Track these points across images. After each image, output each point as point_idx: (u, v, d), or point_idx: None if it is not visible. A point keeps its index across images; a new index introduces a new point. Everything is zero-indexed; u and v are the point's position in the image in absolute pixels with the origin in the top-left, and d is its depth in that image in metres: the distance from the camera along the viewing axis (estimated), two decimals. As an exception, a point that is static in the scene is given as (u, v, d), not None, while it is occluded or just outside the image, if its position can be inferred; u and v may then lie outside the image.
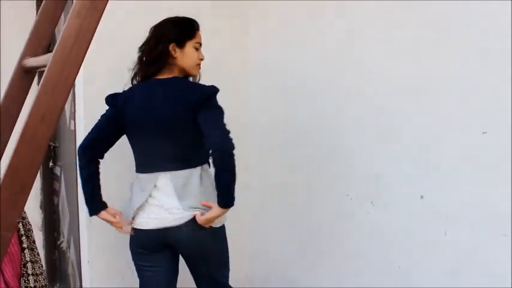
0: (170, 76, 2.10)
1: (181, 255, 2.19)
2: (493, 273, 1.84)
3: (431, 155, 2.02)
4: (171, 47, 2.08)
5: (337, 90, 2.41)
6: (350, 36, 2.34)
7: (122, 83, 2.58)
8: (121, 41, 2.58)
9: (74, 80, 0.93)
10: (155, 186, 2.08)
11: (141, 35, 2.60)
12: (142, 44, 2.16)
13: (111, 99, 2.17)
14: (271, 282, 2.78)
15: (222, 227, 2.15)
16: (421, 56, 2.04)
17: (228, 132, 1.97)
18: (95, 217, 2.55)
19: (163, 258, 2.18)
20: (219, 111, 2.03)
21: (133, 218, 2.13)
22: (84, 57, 0.94)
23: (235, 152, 1.94)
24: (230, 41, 2.79)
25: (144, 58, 2.13)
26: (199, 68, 2.15)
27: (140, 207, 2.10)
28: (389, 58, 2.17)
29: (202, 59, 2.13)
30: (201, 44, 2.13)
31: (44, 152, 0.95)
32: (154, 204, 2.08)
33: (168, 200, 2.05)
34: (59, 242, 3.40)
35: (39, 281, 1.90)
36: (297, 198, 2.65)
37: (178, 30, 2.10)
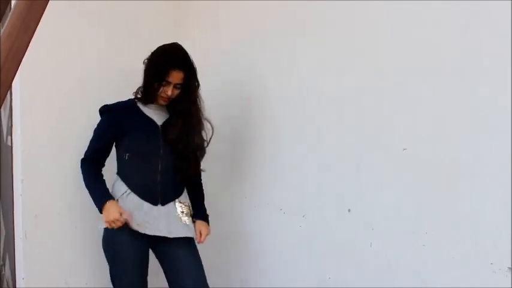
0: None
1: None
2: (413, 281, 1.95)
3: (357, 170, 2.12)
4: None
5: (270, 104, 2.50)
6: (283, 43, 2.43)
7: (60, 98, 2.60)
8: (60, 56, 2.60)
9: (4, 99, 0.97)
10: None
11: (79, 50, 2.64)
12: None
13: None
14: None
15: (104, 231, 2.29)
16: (348, 72, 2.14)
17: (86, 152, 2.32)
18: (31, 233, 2.55)
19: None
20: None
21: None
22: (14, 77, 0.98)
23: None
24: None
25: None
26: (164, 99, 2.26)
27: None
28: (319, 70, 2.26)
29: (168, 95, 2.23)
30: (169, 83, 2.22)
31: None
32: None
33: None
34: (-6, 260, 3.33)
35: None
36: (232, 212, 2.72)
37: (153, 70, 2.23)
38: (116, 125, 2.27)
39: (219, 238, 2.76)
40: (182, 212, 2.29)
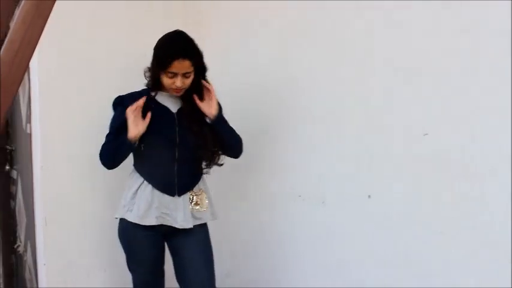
0: None
1: None
2: (433, 269, 1.92)
3: (378, 156, 2.09)
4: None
5: (285, 92, 2.48)
6: (294, 36, 2.42)
7: (78, 85, 2.60)
8: (77, 44, 2.60)
9: (19, 84, 0.96)
10: None
11: (97, 37, 2.64)
12: None
13: None
14: (227, 282, 2.80)
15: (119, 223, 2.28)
16: (366, 57, 2.12)
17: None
18: (51, 220, 2.56)
19: None
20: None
21: None
22: (29, 61, 0.97)
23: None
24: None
25: None
26: (177, 91, 2.16)
27: None
28: (333, 59, 2.25)
29: (178, 87, 2.13)
30: (175, 74, 2.10)
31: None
32: None
33: None
34: (15, 246, 3.36)
35: None
36: (250, 201, 2.71)
37: (156, 61, 2.14)
38: None
39: (236, 225, 2.77)
40: (195, 203, 2.22)
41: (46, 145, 2.57)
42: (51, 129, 2.57)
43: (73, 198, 2.64)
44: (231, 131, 2.26)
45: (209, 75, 2.22)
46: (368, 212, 2.14)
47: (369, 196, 2.13)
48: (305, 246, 2.44)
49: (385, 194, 2.07)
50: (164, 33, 2.16)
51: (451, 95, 1.84)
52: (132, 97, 2.19)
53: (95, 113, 2.63)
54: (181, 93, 2.18)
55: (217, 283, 2.26)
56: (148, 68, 2.20)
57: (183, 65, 2.09)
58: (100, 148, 2.20)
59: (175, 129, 2.19)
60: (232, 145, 2.27)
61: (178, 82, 2.11)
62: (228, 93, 2.41)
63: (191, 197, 2.21)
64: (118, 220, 2.27)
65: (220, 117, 2.21)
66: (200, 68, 2.18)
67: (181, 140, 2.19)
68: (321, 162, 2.33)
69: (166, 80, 2.12)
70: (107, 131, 2.22)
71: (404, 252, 2.02)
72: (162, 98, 2.23)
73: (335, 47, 2.25)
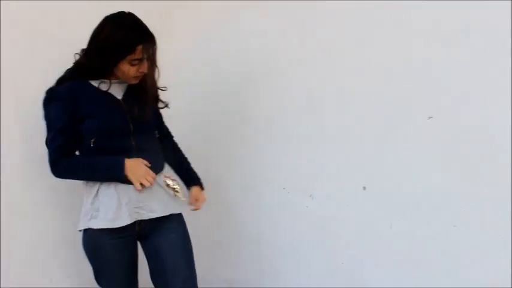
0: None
1: None
2: (442, 265, 1.78)
3: (374, 143, 1.92)
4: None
5: (271, 82, 2.29)
6: (273, 33, 2.25)
7: (38, 74, 2.31)
8: (39, 31, 2.30)
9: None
10: None
11: (57, 24, 2.35)
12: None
13: None
14: (206, 283, 2.63)
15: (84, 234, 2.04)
16: (359, 44, 1.96)
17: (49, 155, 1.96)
18: (5, 225, 2.31)
19: None
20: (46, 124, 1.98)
21: None
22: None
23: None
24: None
25: None
26: (138, 78, 1.97)
27: None
28: (323, 47, 2.09)
29: (143, 73, 1.94)
30: (140, 59, 1.90)
31: None
32: None
33: None
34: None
35: None
36: (231, 193, 2.51)
37: (117, 47, 1.89)
38: (72, 107, 1.94)
39: (216, 220, 2.57)
40: (167, 185, 2.02)
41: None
42: (3, 125, 2.28)
43: (29, 201, 2.37)
44: None
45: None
46: (363, 205, 1.96)
47: (364, 188, 1.95)
48: (290, 242, 2.28)
49: (383, 185, 1.89)
50: (111, 15, 1.92)
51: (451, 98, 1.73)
52: (71, 88, 1.94)
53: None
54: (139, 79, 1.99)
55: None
56: (87, 55, 1.94)
57: (151, 49, 1.91)
58: (50, 155, 1.94)
59: (126, 117, 1.98)
60: None
61: (145, 67, 1.92)
62: (209, 81, 2.30)
63: (164, 181, 2.02)
64: (82, 231, 2.03)
65: None
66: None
67: (135, 126, 1.99)
68: (310, 152, 2.15)
69: (128, 68, 1.91)
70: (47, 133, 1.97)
71: (408, 251, 1.85)
72: (104, 85, 1.98)
73: (326, 36, 2.07)
